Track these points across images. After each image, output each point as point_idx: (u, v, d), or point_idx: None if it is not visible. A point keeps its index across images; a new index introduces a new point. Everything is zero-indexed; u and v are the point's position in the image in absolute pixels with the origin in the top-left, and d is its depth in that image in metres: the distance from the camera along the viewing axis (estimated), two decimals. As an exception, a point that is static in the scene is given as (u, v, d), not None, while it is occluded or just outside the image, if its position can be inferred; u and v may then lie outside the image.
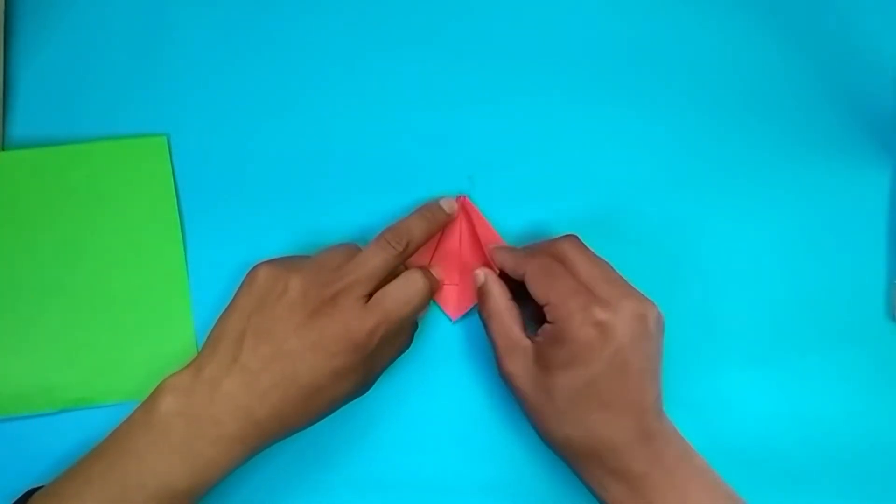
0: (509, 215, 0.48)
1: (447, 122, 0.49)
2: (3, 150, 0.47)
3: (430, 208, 0.45)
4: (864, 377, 0.48)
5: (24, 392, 0.45)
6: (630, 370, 0.39)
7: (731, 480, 0.40)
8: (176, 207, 0.47)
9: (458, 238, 0.47)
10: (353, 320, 0.40)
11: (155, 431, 0.38)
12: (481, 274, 0.44)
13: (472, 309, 0.47)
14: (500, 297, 0.43)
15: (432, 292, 0.43)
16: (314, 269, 0.41)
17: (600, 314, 0.39)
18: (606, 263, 0.42)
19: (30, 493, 0.40)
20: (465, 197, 0.48)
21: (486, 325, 0.43)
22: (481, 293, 0.44)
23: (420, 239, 0.44)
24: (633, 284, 0.41)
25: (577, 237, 0.43)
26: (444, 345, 0.47)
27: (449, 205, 0.46)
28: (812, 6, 0.50)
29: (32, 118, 0.48)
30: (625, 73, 0.49)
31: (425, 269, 0.44)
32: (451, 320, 0.47)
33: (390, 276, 0.43)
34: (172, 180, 0.47)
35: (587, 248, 0.42)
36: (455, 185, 0.48)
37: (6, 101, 0.47)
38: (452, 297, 0.47)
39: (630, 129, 0.49)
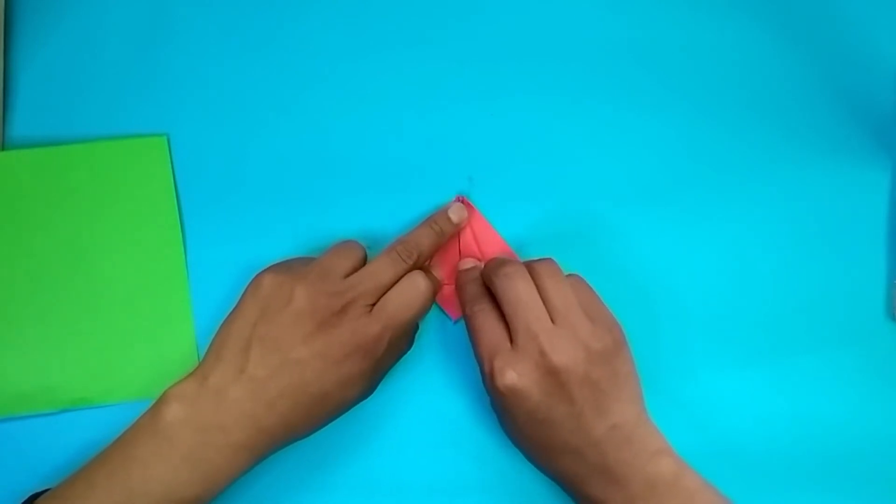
0: (509, 215, 0.48)
1: (447, 123, 0.49)
2: (3, 150, 0.47)
3: (438, 220, 0.45)
4: (864, 377, 0.48)
5: (24, 392, 0.46)
6: (552, 422, 0.39)
7: (729, 480, 0.40)
8: (176, 207, 0.47)
9: (457, 238, 0.47)
10: (360, 328, 0.40)
11: (161, 439, 0.38)
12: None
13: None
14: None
15: (435, 294, 0.43)
16: (320, 275, 0.41)
17: (506, 379, 0.39)
18: (571, 287, 0.41)
19: (33, 498, 0.40)
20: (464, 197, 0.48)
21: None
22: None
23: (429, 251, 0.44)
24: (601, 305, 0.42)
25: (552, 261, 0.42)
26: (445, 345, 0.47)
27: (457, 215, 0.46)
28: (812, 6, 0.50)
29: (32, 118, 0.48)
30: (624, 74, 0.49)
31: (427, 272, 0.44)
32: (451, 320, 0.47)
33: None
34: (172, 180, 0.47)
35: (558, 270, 0.42)
36: (455, 186, 0.48)
37: (6, 101, 0.47)
38: (453, 297, 0.47)
39: (630, 129, 0.49)
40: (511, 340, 0.40)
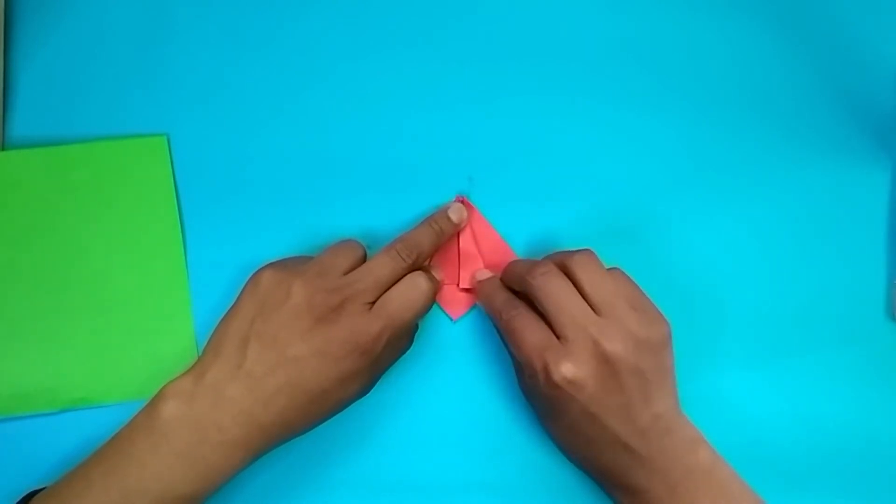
0: (509, 215, 0.48)
1: (447, 123, 0.49)
2: (3, 150, 0.47)
3: (438, 220, 0.45)
4: (864, 377, 0.48)
5: (24, 392, 0.45)
6: (605, 412, 0.39)
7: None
8: (176, 207, 0.47)
9: (457, 238, 0.47)
10: (359, 326, 0.40)
11: (157, 436, 0.38)
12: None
13: (472, 308, 0.47)
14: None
15: (435, 294, 0.43)
16: (318, 272, 0.41)
17: (564, 370, 0.39)
18: (613, 281, 0.41)
19: (30, 496, 0.40)
20: (464, 197, 0.48)
21: (505, 342, 0.45)
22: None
23: (429, 250, 0.44)
24: (645, 297, 0.42)
25: (591, 252, 0.43)
26: (445, 344, 0.47)
27: (457, 215, 0.46)
28: (812, 6, 0.50)
29: (32, 118, 0.48)
30: (624, 74, 0.49)
31: (428, 272, 0.44)
32: (451, 320, 0.47)
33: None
34: (172, 180, 0.47)
35: (598, 264, 0.42)
36: (455, 186, 0.48)
37: (6, 101, 0.47)
38: (453, 297, 0.47)
39: (630, 130, 0.49)
40: (557, 337, 0.40)
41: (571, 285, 0.41)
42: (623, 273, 0.43)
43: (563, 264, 0.42)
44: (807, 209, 0.49)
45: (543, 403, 0.42)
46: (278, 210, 0.48)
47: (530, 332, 0.41)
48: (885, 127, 0.49)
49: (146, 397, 0.40)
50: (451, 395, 0.47)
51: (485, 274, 0.46)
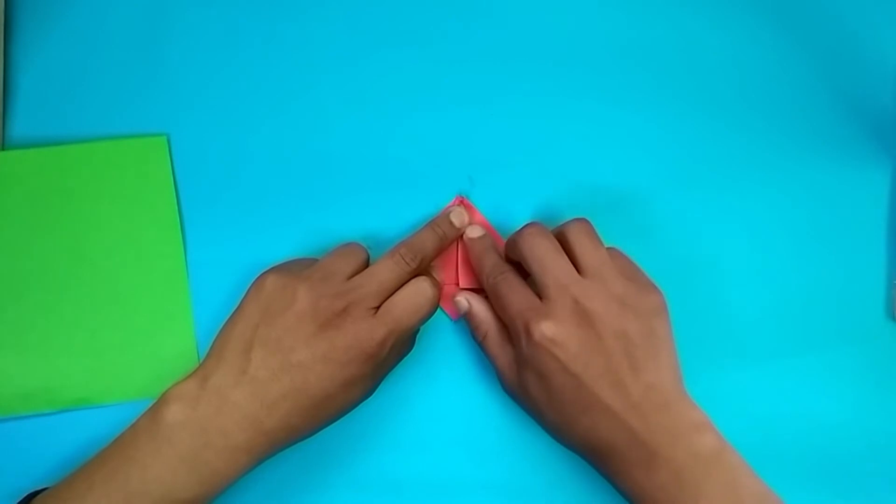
0: (509, 215, 0.48)
1: (447, 123, 0.49)
2: (3, 150, 0.47)
3: (441, 224, 0.45)
4: (864, 377, 0.48)
5: (25, 392, 0.46)
6: (589, 374, 0.39)
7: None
8: (176, 207, 0.47)
9: (457, 240, 0.47)
10: (364, 331, 0.40)
11: (160, 440, 0.38)
12: (463, 300, 0.45)
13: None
14: (486, 319, 0.44)
15: (439, 299, 0.43)
16: (322, 277, 0.41)
17: (544, 329, 0.39)
18: (606, 251, 0.42)
19: (31, 496, 0.40)
20: (464, 198, 0.48)
21: (481, 347, 0.44)
22: (469, 318, 0.45)
23: (432, 255, 0.44)
24: (639, 270, 0.42)
25: (586, 221, 0.43)
26: (445, 345, 0.47)
27: (459, 219, 0.46)
28: (812, 6, 0.50)
29: (32, 118, 0.48)
30: (624, 73, 0.49)
31: (431, 277, 0.44)
32: (451, 319, 0.47)
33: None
34: (172, 180, 0.47)
35: (591, 232, 0.42)
36: (455, 186, 0.48)
37: (6, 101, 0.47)
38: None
39: (629, 129, 0.49)
40: (542, 299, 0.40)
41: (558, 247, 0.41)
42: (619, 250, 0.43)
43: (559, 231, 0.43)
44: (806, 209, 0.49)
45: (528, 377, 0.41)
46: (278, 210, 0.48)
47: (514, 294, 0.41)
48: (885, 127, 0.49)
49: (146, 397, 0.40)
50: (450, 395, 0.47)
51: (476, 231, 0.46)
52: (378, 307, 0.41)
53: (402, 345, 0.43)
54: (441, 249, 0.45)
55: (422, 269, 0.44)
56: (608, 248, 0.42)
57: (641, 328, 0.39)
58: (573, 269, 0.41)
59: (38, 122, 0.48)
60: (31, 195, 0.47)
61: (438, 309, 0.47)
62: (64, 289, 0.46)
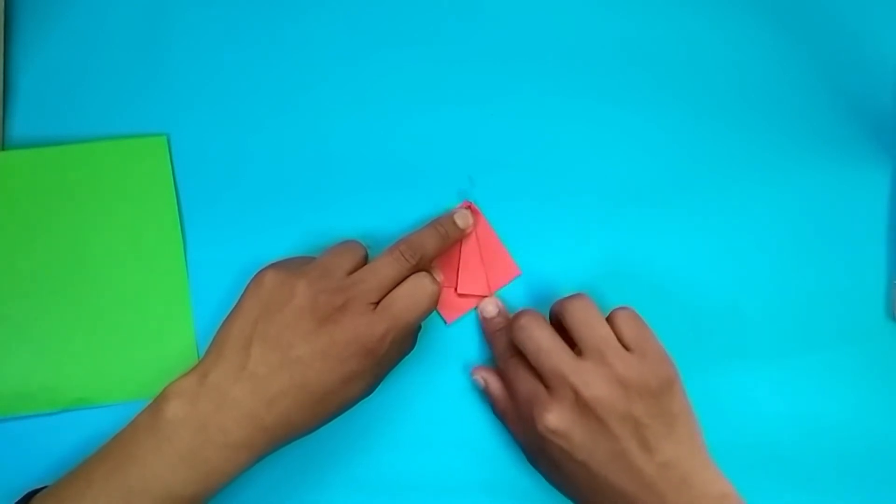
0: (509, 215, 0.48)
1: (447, 122, 0.49)
2: (3, 150, 0.47)
3: (444, 223, 0.45)
4: (864, 377, 0.48)
5: (25, 392, 0.46)
6: (596, 462, 0.39)
7: (731, 480, 0.40)
8: (176, 207, 0.47)
9: (460, 243, 0.47)
10: (364, 326, 0.40)
11: (160, 437, 0.38)
12: (480, 380, 0.45)
13: (467, 312, 0.47)
14: (503, 397, 0.44)
15: (439, 296, 0.43)
16: (321, 273, 0.41)
17: (547, 421, 0.39)
18: (609, 322, 0.41)
19: (31, 494, 0.40)
20: (471, 203, 0.47)
21: (503, 423, 0.45)
22: (487, 395, 0.46)
23: (432, 253, 0.44)
24: (649, 338, 0.41)
25: (584, 297, 0.42)
26: (445, 345, 0.47)
27: (463, 221, 0.46)
28: (812, 6, 0.50)
29: (32, 118, 0.48)
30: (625, 74, 0.49)
31: (431, 273, 0.44)
32: (445, 323, 0.47)
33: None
34: (172, 180, 0.47)
35: (588, 307, 0.41)
36: (455, 185, 0.48)
37: (6, 101, 0.47)
38: (449, 300, 0.47)
39: (630, 129, 0.49)
40: (546, 388, 0.40)
41: (553, 334, 0.41)
42: (627, 313, 0.41)
43: (557, 308, 0.42)
44: (807, 209, 0.49)
45: (543, 458, 0.42)
46: (278, 210, 0.48)
47: (520, 381, 0.42)
48: (885, 127, 0.49)
49: (146, 397, 0.40)
50: (450, 395, 0.47)
51: (489, 311, 0.46)
52: (377, 303, 0.41)
53: (402, 341, 0.43)
54: (442, 249, 0.45)
55: (422, 267, 0.44)
56: (615, 312, 0.41)
57: (650, 408, 0.39)
58: (571, 355, 0.40)
59: (38, 122, 0.48)
60: (31, 195, 0.47)
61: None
62: (64, 289, 0.46)
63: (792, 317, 0.48)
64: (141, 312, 0.46)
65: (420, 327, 0.45)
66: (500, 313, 0.46)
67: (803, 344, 0.48)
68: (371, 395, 0.43)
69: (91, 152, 0.47)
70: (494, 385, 0.45)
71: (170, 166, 0.47)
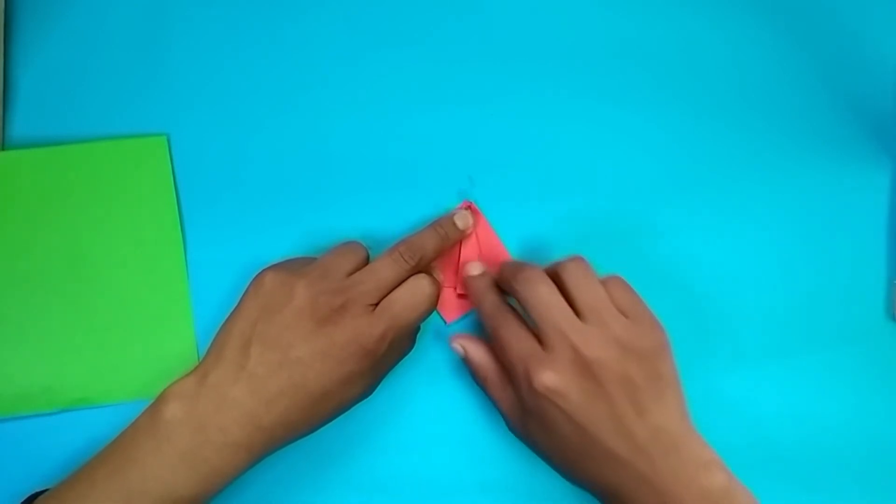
0: (509, 215, 0.48)
1: (447, 123, 0.49)
2: (3, 150, 0.47)
3: (444, 224, 0.45)
4: (864, 377, 0.48)
5: (24, 392, 0.46)
6: (592, 422, 0.38)
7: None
8: (176, 207, 0.47)
9: (460, 243, 0.47)
10: (363, 327, 0.40)
11: (160, 438, 0.38)
12: (458, 347, 0.44)
13: (467, 313, 0.47)
14: (484, 363, 0.43)
15: (438, 297, 0.43)
16: (321, 274, 0.41)
17: (545, 379, 0.38)
18: (604, 287, 0.41)
19: (34, 497, 0.40)
20: (471, 203, 0.47)
21: (482, 390, 0.44)
22: (468, 363, 0.44)
23: (432, 254, 0.44)
24: (640, 304, 0.41)
25: (581, 259, 0.42)
26: (445, 345, 0.47)
27: (463, 222, 0.46)
28: (812, 6, 0.50)
29: (32, 118, 0.48)
30: (625, 74, 0.49)
31: (430, 274, 0.44)
32: (445, 323, 0.47)
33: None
34: (172, 180, 0.47)
35: (586, 270, 0.41)
36: (455, 185, 0.48)
37: (6, 101, 0.47)
38: (449, 301, 0.47)
39: (630, 130, 0.49)
40: (542, 344, 0.40)
41: (556, 292, 0.40)
42: (619, 280, 0.42)
43: (554, 271, 0.42)
44: (807, 209, 0.49)
45: (531, 424, 0.41)
46: (278, 210, 0.48)
47: (514, 338, 0.41)
48: (885, 127, 0.49)
49: (146, 397, 0.40)
50: (450, 395, 0.47)
51: (476, 268, 0.45)
52: (377, 304, 0.41)
53: (401, 342, 0.43)
54: (442, 250, 0.45)
55: (421, 269, 0.44)
56: (607, 278, 0.41)
57: (644, 371, 0.39)
58: (571, 314, 0.40)
59: (38, 122, 0.48)
60: (31, 195, 0.47)
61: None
62: (64, 289, 0.46)
63: (792, 317, 0.48)
64: (141, 312, 0.46)
65: (419, 328, 0.45)
66: (485, 273, 0.45)
67: (803, 344, 0.48)
68: (370, 396, 0.43)
69: (91, 152, 0.47)
70: (475, 351, 0.43)
71: (170, 166, 0.47)
